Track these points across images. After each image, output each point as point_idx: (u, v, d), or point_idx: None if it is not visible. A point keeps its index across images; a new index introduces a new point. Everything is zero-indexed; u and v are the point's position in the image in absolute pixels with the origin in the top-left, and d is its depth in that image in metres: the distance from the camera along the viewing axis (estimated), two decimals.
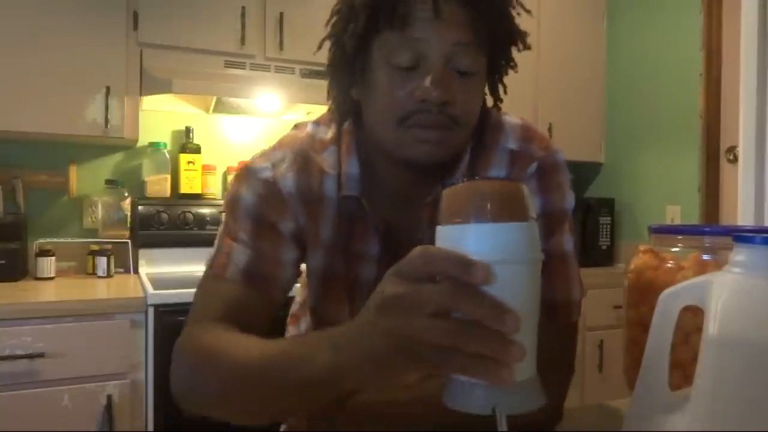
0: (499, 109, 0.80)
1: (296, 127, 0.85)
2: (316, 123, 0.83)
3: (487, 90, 0.77)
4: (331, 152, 0.79)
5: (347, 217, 0.78)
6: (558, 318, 0.77)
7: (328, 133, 0.80)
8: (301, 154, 0.78)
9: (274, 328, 0.76)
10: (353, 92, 0.75)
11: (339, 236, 0.78)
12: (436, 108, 0.67)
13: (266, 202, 0.76)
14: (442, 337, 0.41)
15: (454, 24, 0.67)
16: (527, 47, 0.76)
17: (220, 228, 0.80)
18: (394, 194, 0.78)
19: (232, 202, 0.78)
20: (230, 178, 2.51)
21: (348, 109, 0.77)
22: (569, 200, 0.81)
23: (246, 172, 0.79)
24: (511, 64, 0.76)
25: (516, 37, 0.74)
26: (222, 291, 0.74)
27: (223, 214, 0.81)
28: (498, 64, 0.75)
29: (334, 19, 0.77)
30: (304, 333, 0.92)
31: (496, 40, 0.72)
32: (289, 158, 0.78)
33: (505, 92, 0.78)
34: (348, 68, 0.73)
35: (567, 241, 0.80)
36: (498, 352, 0.41)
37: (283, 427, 0.99)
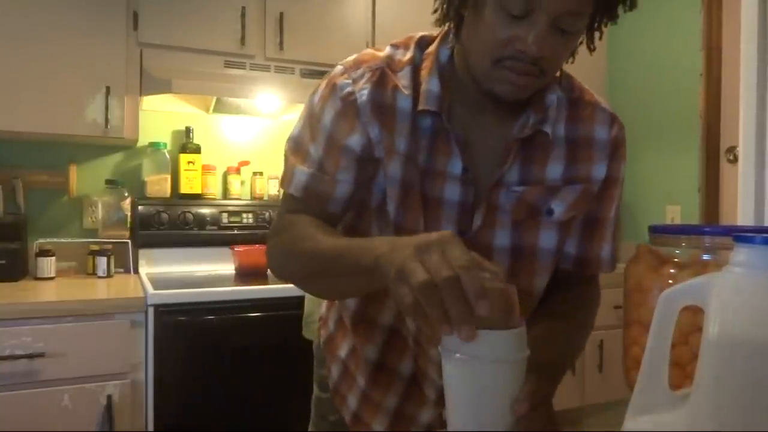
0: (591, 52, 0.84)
1: (374, 48, 0.89)
2: (395, 46, 0.86)
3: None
4: (406, 72, 0.83)
5: (429, 133, 0.82)
6: (618, 262, 0.91)
7: (406, 55, 0.85)
8: (379, 70, 0.83)
9: None
10: (463, 10, 0.77)
11: (416, 149, 0.82)
12: (531, 59, 0.72)
13: (341, 119, 0.82)
14: (427, 282, 0.53)
15: None
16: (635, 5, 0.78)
17: (289, 144, 0.88)
18: (476, 113, 0.83)
19: (315, 117, 0.85)
20: (230, 178, 2.52)
21: (457, 17, 0.79)
22: None
23: (331, 89, 0.83)
24: (614, 19, 0.79)
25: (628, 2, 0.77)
26: (290, 201, 0.86)
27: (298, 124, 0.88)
28: (600, 19, 0.78)
29: None
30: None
31: (607, 3, 0.75)
32: (368, 74, 0.83)
33: (600, 38, 0.81)
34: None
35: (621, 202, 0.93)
36: (459, 315, 0.52)
37: (311, 428, 1.04)
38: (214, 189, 2.49)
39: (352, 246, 0.69)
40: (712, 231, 0.65)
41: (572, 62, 0.82)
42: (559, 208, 0.84)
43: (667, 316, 0.54)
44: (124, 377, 1.77)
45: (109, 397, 1.74)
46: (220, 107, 2.44)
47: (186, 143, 2.43)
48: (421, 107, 0.80)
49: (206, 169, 2.47)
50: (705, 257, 0.64)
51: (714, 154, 2.49)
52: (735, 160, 2.32)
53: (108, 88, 2.04)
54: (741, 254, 0.49)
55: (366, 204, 0.85)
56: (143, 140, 2.35)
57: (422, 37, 0.86)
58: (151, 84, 2.09)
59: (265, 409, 1.94)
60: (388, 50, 0.86)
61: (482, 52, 0.75)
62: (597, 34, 0.81)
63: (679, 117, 2.60)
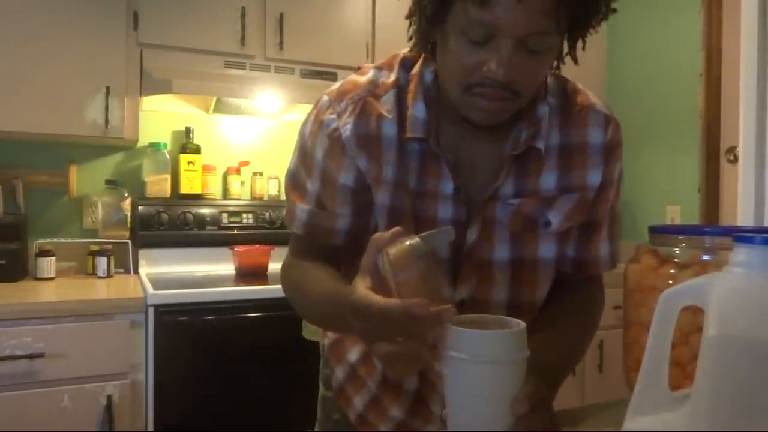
0: (576, 62, 0.80)
1: (359, 69, 0.88)
2: (378, 68, 0.86)
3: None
4: (391, 96, 0.82)
5: (418, 157, 0.82)
6: (615, 264, 0.91)
7: (390, 77, 0.84)
8: (361, 100, 0.82)
9: None
10: (432, 36, 0.76)
11: (405, 175, 0.82)
12: (499, 84, 0.70)
13: (331, 156, 0.83)
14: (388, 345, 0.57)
15: (534, 11, 0.66)
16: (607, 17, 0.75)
17: (287, 179, 0.90)
18: (466, 132, 0.82)
19: (308, 154, 0.86)
20: (230, 178, 2.52)
21: (428, 49, 0.79)
22: None
23: (319, 126, 0.84)
24: (591, 31, 0.76)
25: (602, 14, 0.73)
26: (295, 239, 0.90)
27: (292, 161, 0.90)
28: (577, 35, 0.75)
29: None
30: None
31: (578, 18, 0.71)
32: (350, 107, 0.82)
33: (584, 48, 0.78)
34: (427, 20, 0.74)
35: (619, 201, 0.92)
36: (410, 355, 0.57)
37: (317, 427, 1.05)
38: (214, 189, 2.49)
39: (330, 303, 0.74)
40: (712, 231, 0.65)
41: (556, 69, 0.79)
42: (556, 218, 0.83)
43: (667, 316, 0.54)
44: (124, 377, 1.77)
45: (109, 398, 1.74)
46: (220, 107, 2.44)
47: (186, 143, 2.43)
48: (408, 135, 0.80)
49: (206, 169, 2.47)
50: (705, 257, 0.64)
51: (714, 154, 2.49)
52: (735, 160, 2.32)
53: (108, 89, 2.04)
54: (741, 254, 0.49)
55: (366, 227, 0.85)
56: (143, 140, 2.35)
57: (405, 58, 0.85)
58: (151, 84, 2.09)
59: (265, 409, 1.94)
60: (371, 74, 0.85)
61: (452, 79, 0.74)
62: (580, 44, 0.78)
63: (679, 117, 2.60)
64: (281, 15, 2.24)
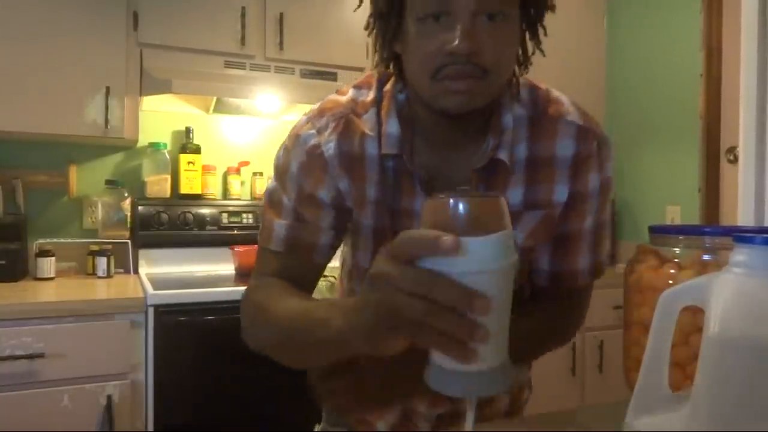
0: (531, 63, 0.80)
1: (338, 90, 0.87)
2: (357, 87, 0.85)
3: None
4: (372, 114, 0.82)
5: (392, 174, 0.81)
6: (598, 276, 0.88)
7: (369, 95, 0.83)
8: (343, 118, 0.82)
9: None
10: (395, 46, 0.76)
11: (385, 193, 0.81)
12: (465, 59, 0.68)
13: (308, 171, 0.81)
14: (415, 314, 0.47)
15: None
16: None
17: (265, 197, 0.87)
18: (438, 148, 0.81)
19: (282, 169, 0.84)
20: (230, 178, 2.52)
21: (391, 63, 0.78)
22: (612, 174, 0.88)
23: (294, 140, 0.83)
24: (547, 5, 0.76)
25: None
26: (269, 258, 0.85)
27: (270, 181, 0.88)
28: (532, 7, 0.75)
29: None
30: (328, 298, 0.99)
31: None
32: (332, 124, 0.81)
33: (546, 33, 0.78)
34: (384, 23, 0.75)
35: (609, 208, 0.89)
36: (463, 334, 0.47)
37: (317, 427, 1.03)
38: (214, 189, 2.49)
39: (309, 316, 0.67)
40: (712, 231, 0.65)
41: (524, 64, 0.79)
42: (519, 236, 0.81)
43: (667, 316, 0.54)
44: (124, 377, 1.77)
45: (109, 398, 1.74)
46: (220, 107, 2.44)
47: (186, 143, 2.43)
48: (383, 151, 0.79)
49: (206, 169, 2.47)
50: (705, 257, 0.64)
51: (714, 154, 2.49)
52: (735, 160, 2.32)
53: (108, 88, 2.04)
54: (741, 254, 0.49)
55: (336, 247, 0.85)
56: (143, 140, 2.35)
57: (381, 76, 0.84)
58: (151, 84, 2.09)
59: (265, 409, 1.94)
60: (351, 93, 0.84)
61: (420, 72, 0.73)
62: (541, 30, 0.78)
63: (679, 117, 2.60)
64: (281, 15, 2.24)
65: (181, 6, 2.13)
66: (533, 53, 0.79)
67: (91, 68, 2.03)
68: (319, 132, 0.81)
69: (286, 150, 0.84)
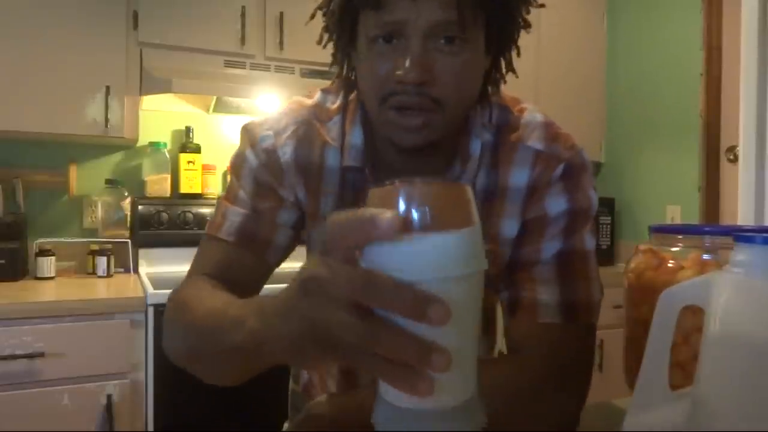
0: (504, 82, 0.74)
1: (307, 94, 0.83)
2: (326, 92, 0.81)
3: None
4: (336, 122, 0.77)
5: (353, 188, 0.76)
6: (578, 319, 0.75)
7: (336, 103, 0.79)
8: (305, 123, 0.77)
9: None
10: (353, 59, 0.72)
11: (343, 208, 0.77)
12: (415, 88, 0.63)
13: (268, 168, 0.76)
14: (350, 335, 0.36)
15: (434, 2, 0.61)
16: (540, 5, 0.70)
17: (224, 191, 0.82)
18: (398, 166, 0.75)
19: (237, 161, 0.79)
20: (230, 177, 2.51)
21: (350, 78, 0.74)
22: (593, 201, 0.79)
23: (251, 136, 0.78)
24: (520, 27, 0.70)
25: (514, 8, 0.68)
26: (215, 249, 0.76)
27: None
28: (500, 30, 0.68)
29: None
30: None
31: (492, 5, 0.65)
32: (291, 128, 0.77)
33: (518, 54, 0.72)
34: (337, 41, 0.72)
35: (588, 240, 0.77)
36: (415, 357, 0.35)
37: (288, 423, 1.02)
38: (214, 189, 2.49)
39: (224, 315, 0.55)
40: (712, 231, 0.65)
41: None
42: None
43: (667, 315, 0.54)
44: (124, 377, 1.77)
45: (109, 397, 1.74)
46: (220, 107, 2.44)
47: (186, 143, 2.43)
48: (345, 163, 0.74)
49: (206, 168, 2.47)
50: (705, 257, 0.64)
51: (714, 154, 2.48)
52: (735, 159, 2.32)
53: (108, 88, 2.03)
54: (741, 254, 0.49)
55: (287, 254, 0.80)
56: (143, 140, 2.35)
57: (338, 87, 0.80)
58: (151, 84, 2.09)
59: (266, 409, 1.94)
60: (318, 97, 0.80)
61: (369, 95, 0.68)
62: (515, 51, 0.71)
63: (679, 117, 2.60)
64: (281, 14, 2.24)
65: (181, 5, 2.13)
66: (507, 73, 0.73)
67: (91, 68, 2.02)
68: (277, 135, 0.76)
69: (243, 145, 0.79)
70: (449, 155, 0.74)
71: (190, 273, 0.77)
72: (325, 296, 0.37)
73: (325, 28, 0.73)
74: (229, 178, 2.55)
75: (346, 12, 0.67)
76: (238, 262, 0.75)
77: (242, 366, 0.55)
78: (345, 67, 0.74)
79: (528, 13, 0.70)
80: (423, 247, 0.36)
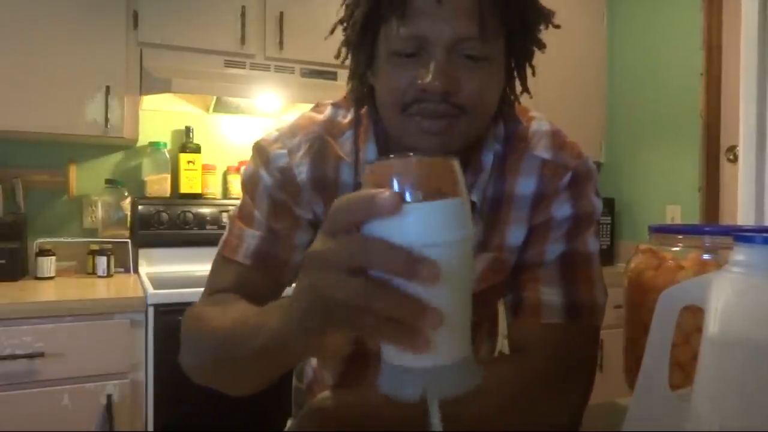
0: (519, 103, 0.75)
1: (317, 106, 0.83)
2: (336, 106, 0.81)
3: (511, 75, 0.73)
4: (348, 137, 0.77)
5: None
6: (581, 320, 0.75)
7: (347, 117, 0.79)
8: (318, 140, 0.77)
9: None
10: (368, 77, 0.72)
11: None
12: (439, 97, 0.64)
13: (283, 187, 0.76)
14: (351, 295, 0.39)
15: (458, 14, 0.63)
16: (555, 26, 0.71)
17: (235, 209, 0.81)
18: None
19: (250, 180, 0.78)
20: (230, 177, 2.51)
21: (364, 93, 0.74)
22: (597, 206, 0.79)
23: (264, 155, 0.77)
24: (536, 45, 0.71)
25: (538, 17, 0.70)
26: (230, 271, 0.76)
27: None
28: (518, 47, 0.70)
29: (346, 2, 0.74)
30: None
31: (512, 22, 0.66)
32: (305, 145, 0.76)
33: (534, 74, 0.73)
34: (356, 54, 0.72)
35: (592, 243, 0.78)
36: (412, 316, 0.38)
37: (291, 421, 1.03)
38: (214, 189, 2.49)
39: (244, 325, 0.58)
40: (712, 231, 0.65)
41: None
42: None
43: (667, 316, 0.54)
44: (124, 377, 1.77)
45: (109, 397, 1.74)
46: (220, 107, 2.44)
47: (186, 143, 2.43)
48: (360, 179, 0.75)
49: (206, 168, 2.47)
50: (705, 257, 0.64)
51: (714, 154, 2.48)
52: (735, 159, 2.32)
53: (108, 88, 2.03)
54: (741, 254, 0.49)
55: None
56: (143, 140, 2.35)
57: (351, 105, 0.79)
58: (151, 83, 2.09)
59: (266, 409, 1.94)
60: (328, 112, 0.79)
61: (389, 104, 0.68)
62: (530, 69, 0.71)
63: (680, 116, 2.60)
64: (281, 14, 2.24)
65: (181, 5, 2.13)
66: (521, 93, 0.74)
67: (91, 67, 2.02)
68: (291, 153, 0.76)
69: (256, 164, 0.78)
70: (461, 167, 0.74)
71: (206, 292, 0.78)
72: (325, 264, 0.40)
73: (345, 42, 0.73)
74: (229, 180, 2.54)
75: (368, 23, 0.67)
76: (254, 283, 0.75)
77: (266, 368, 0.57)
78: (361, 81, 0.73)
79: (546, 28, 0.72)
80: (414, 216, 0.39)
